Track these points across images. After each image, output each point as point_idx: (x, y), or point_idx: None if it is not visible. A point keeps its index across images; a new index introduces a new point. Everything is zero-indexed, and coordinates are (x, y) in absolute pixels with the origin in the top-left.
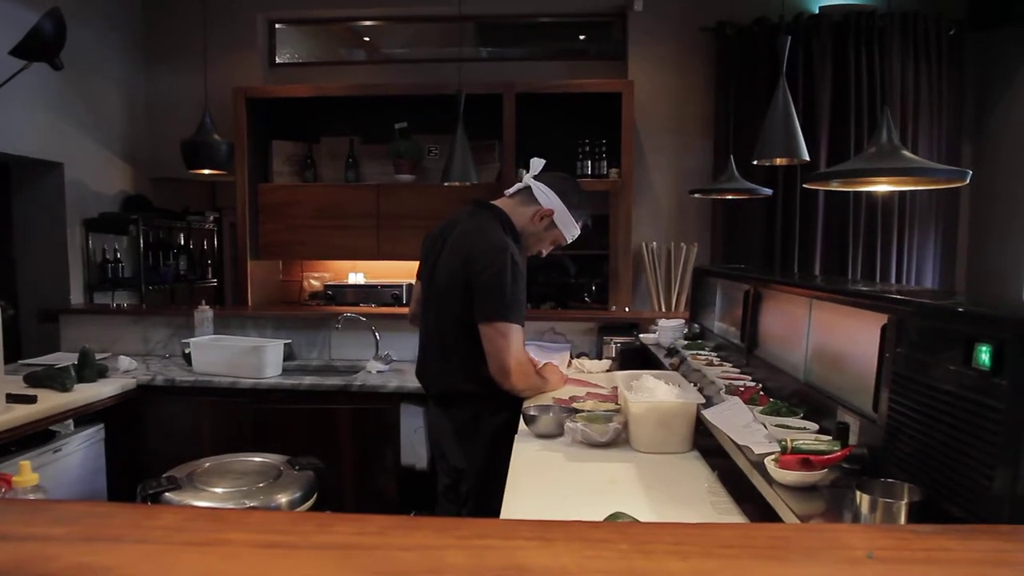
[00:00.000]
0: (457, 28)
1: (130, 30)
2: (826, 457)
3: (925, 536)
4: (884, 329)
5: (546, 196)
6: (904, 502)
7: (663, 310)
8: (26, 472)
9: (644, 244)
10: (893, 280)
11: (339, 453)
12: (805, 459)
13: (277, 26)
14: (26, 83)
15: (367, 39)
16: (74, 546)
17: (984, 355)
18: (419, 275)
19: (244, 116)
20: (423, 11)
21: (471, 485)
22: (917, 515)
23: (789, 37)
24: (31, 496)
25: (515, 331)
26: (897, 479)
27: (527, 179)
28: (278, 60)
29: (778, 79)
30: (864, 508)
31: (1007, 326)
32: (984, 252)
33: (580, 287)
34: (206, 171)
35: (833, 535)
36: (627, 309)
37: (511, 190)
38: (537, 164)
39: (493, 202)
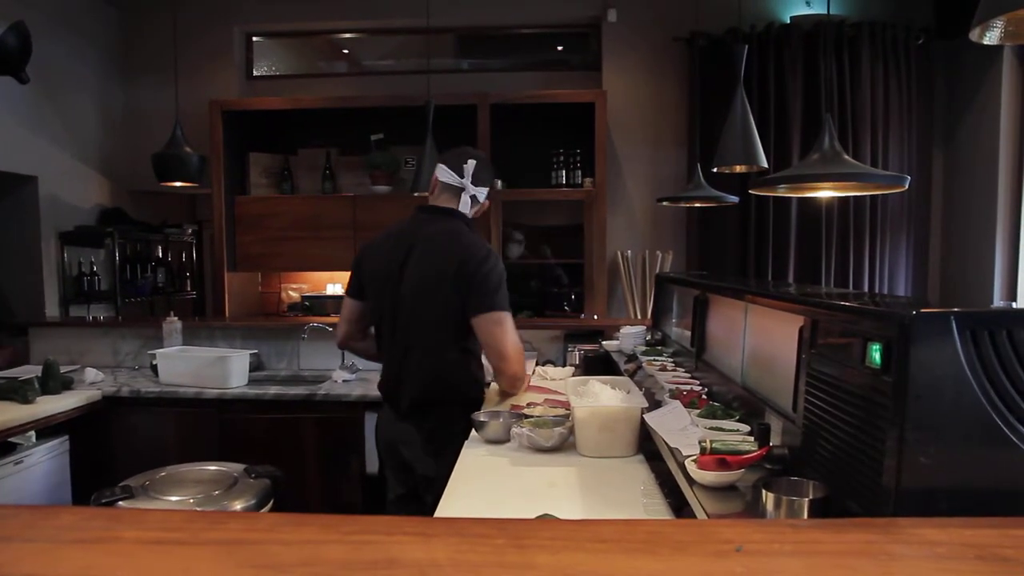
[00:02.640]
0: (432, 39)
1: (106, 44)
2: (743, 457)
3: (801, 530)
4: (801, 330)
5: (482, 194)
6: (807, 499)
7: (639, 317)
8: None
9: (619, 252)
10: (866, 286)
11: (303, 462)
12: (722, 459)
13: (254, 39)
14: None
15: (345, 51)
16: None
17: (876, 354)
18: (352, 292)
19: (220, 129)
20: (400, 23)
21: (440, 493)
22: (819, 511)
23: (746, 46)
24: None
25: (509, 319)
26: (811, 477)
27: (469, 187)
28: (255, 73)
29: (736, 88)
30: (769, 506)
31: (893, 325)
32: (956, 256)
33: (560, 296)
34: (177, 184)
35: (708, 530)
36: (595, 316)
37: (438, 191)
38: (471, 166)
39: (439, 205)
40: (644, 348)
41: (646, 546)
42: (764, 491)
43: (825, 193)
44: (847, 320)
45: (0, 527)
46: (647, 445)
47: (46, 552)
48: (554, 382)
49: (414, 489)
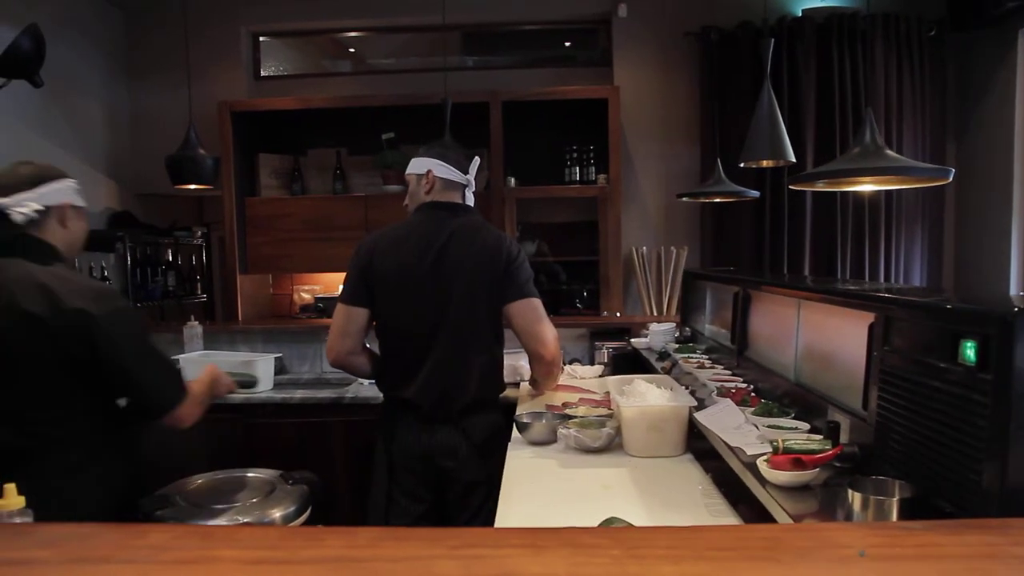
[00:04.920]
0: (449, 37)
1: (111, 46)
2: (817, 456)
3: (916, 532)
4: (871, 327)
5: (474, 185)
6: (895, 499)
7: (654, 314)
8: (11, 495)
9: (634, 249)
10: (882, 279)
11: (332, 466)
12: (797, 459)
13: (261, 39)
14: (5, 101)
15: (352, 50)
16: (61, 569)
17: (970, 351)
18: (357, 300)
19: (230, 130)
20: (408, 21)
21: (489, 493)
22: (908, 512)
23: (773, 40)
24: (17, 520)
25: (542, 306)
26: (888, 476)
27: (472, 184)
28: (263, 73)
29: (762, 81)
30: (856, 506)
31: (992, 322)
32: (970, 249)
33: (571, 294)
34: (192, 186)
35: (825, 534)
36: (618, 314)
37: (438, 187)
38: (477, 163)
39: (441, 200)
40: (676, 346)
41: (767, 553)
42: (850, 491)
43: (866, 187)
44: (932, 317)
45: (91, 547)
46: (694, 444)
47: (149, 574)
48: (584, 380)
49: (435, 503)
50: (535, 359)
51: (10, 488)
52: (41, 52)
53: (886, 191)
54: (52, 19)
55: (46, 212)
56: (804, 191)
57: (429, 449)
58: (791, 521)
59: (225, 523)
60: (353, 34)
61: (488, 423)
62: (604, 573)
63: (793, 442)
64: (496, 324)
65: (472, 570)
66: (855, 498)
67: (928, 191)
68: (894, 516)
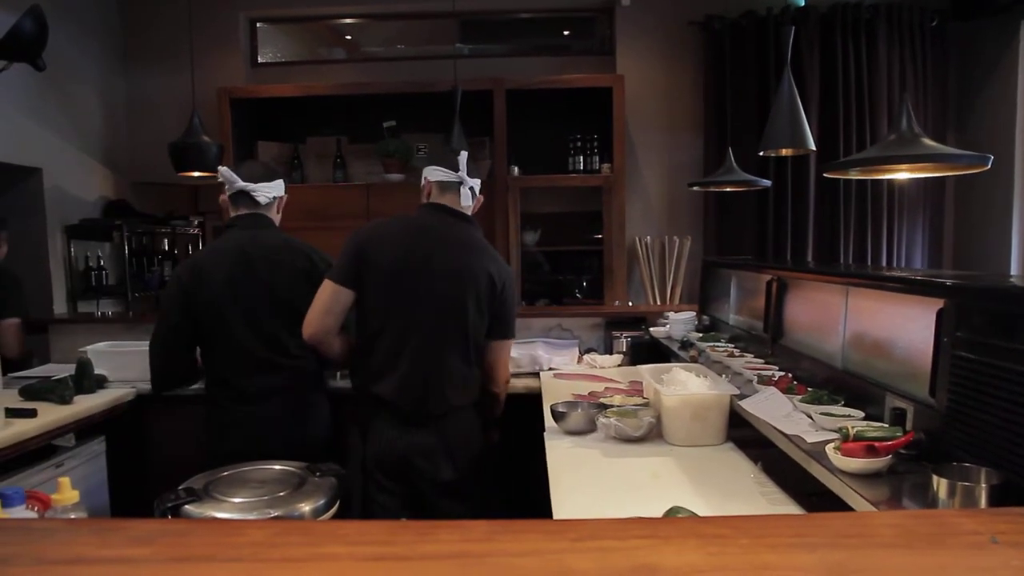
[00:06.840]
0: (447, 25)
1: (108, 32)
2: (891, 443)
3: None
4: (940, 313)
5: (477, 186)
6: (983, 485)
7: (658, 303)
8: (66, 489)
9: (637, 238)
10: (883, 264)
11: (351, 456)
12: (870, 446)
13: (258, 25)
14: (1, 87)
15: (348, 38)
16: (164, 568)
17: None
18: (344, 280)
19: (229, 117)
20: (407, 8)
21: (465, 497)
22: (997, 498)
23: (793, 27)
24: (72, 515)
25: None
26: (964, 463)
27: (467, 180)
28: (260, 60)
29: (769, 71)
30: (942, 493)
31: None
32: (969, 238)
33: (571, 283)
34: (196, 174)
35: (947, 520)
36: (631, 303)
37: (436, 191)
38: (464, 157)
39: (438, 203)
40: (699, 335)
41: (898, 540)
42: (935, 477)
43: (901, 175)
44: (1014, 302)
45: (190, 544)
46: (733, 432)
47: (261, 573)
48: (604, 370)
49: (413, 499)
50: (487, 389)
51: (64, 482)
52: (44, 35)
53: (890, 180)
54: (49, 5)
55: (273, 200)
56: (806, 180)
57: (404, 450)
58: (871, 508)
59: (256, 517)
60: (350, 21)
61: (464, 427)
62: (742, 563)
63: (866, 429)
64: (478, 338)
65: (607, 563)
66: (940, 484)
67: (930, 181)
68: (983, 502)
